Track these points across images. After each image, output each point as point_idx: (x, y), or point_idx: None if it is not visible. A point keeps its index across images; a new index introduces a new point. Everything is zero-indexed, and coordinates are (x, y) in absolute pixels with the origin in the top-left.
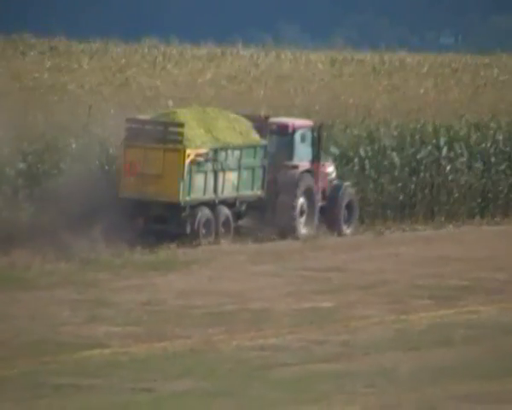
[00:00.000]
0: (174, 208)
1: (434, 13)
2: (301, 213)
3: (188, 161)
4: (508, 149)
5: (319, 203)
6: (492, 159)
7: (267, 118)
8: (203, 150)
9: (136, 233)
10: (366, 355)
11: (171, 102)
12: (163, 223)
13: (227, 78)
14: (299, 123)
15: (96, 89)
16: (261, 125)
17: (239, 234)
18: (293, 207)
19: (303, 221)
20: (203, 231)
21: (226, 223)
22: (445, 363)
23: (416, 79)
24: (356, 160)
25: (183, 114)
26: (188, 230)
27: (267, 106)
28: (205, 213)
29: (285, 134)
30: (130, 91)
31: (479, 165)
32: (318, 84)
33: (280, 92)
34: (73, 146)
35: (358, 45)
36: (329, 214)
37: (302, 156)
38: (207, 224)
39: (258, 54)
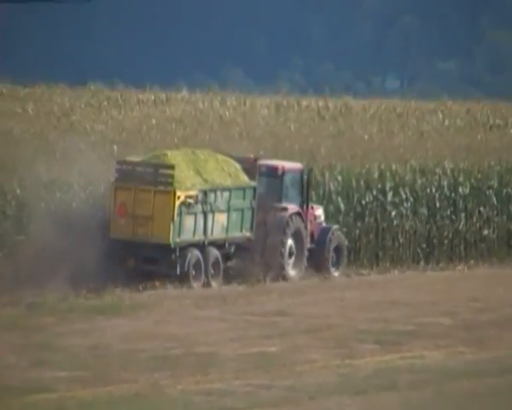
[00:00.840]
0: (164, 250)
1: (380, 57)
2: (290, 254)
3: (178, 202)
4: (453, 194)
5: (308, 246)
6: (437, 204)
7: (256, 160)
8: (193, 192)
9: (127, 274)
10: (312, 400)
11: (115, 148)
12: (153, 264)
13: (172, 122)
14: (289, 166)
15: (41, 134)
16: (250, 167)
17: (228, 275)
18: (282, 249)
19: (291, 263)
20: (193, 272)
21: (216, 264)
22: (390, 408)
23: (360, 123)
24: None
25: (174, 157)
26: (178, 271)
27: (213, 151)
28: (194, 254)
29: (275, 176)
30: (74, 136)
31: (424, 210)
32: (263, 129)
33: (225, 137)
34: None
35: (303, 90)
36: (318, 257)
37: (291, 199)
38: (197, 265)
39: (204, 98)
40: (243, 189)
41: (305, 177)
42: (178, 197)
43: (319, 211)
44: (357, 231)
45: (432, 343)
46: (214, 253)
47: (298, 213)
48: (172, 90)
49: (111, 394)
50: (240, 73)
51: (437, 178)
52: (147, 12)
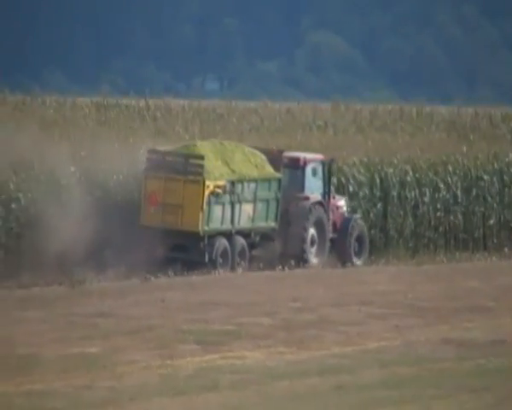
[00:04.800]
0: (194, 238)
1: (200, 59)
2: (312, 243)
3: (207, 192)
4: None
5: (330, 235)
6: None
7: (281, 152)
8: (221, 182)
9: (157, 261)
10: (133, 401)
11: None
12: (183, 252)
13: None
14: (311, 157)
15: None
16: (275, 159)
17: (253, 263)
18: (304, 238)
19: (314, 251)
20: (220, 260)
21: (242, 252)
22: (211, 408)
23: (181, 124)
24: None
25: (203, 147)
26: (206, 258)
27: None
28: (222, 242)
29: (297, 167)
30: None
31: None
32: (84, 129)
33: (44, 139)
34: None
35: (124, 91)
36: (340, 246)
37: (313, 189)
38: (224, 253)
39: (24, 100)
40: (269, 180)
41: (327, 168)
42: (208, 187)
43: (342, 201)
44: None
45: (252, 344)
46: (241, 242)
47: (320, 203)
48: None
49: None
50: (61, 75)
51: None
52: None
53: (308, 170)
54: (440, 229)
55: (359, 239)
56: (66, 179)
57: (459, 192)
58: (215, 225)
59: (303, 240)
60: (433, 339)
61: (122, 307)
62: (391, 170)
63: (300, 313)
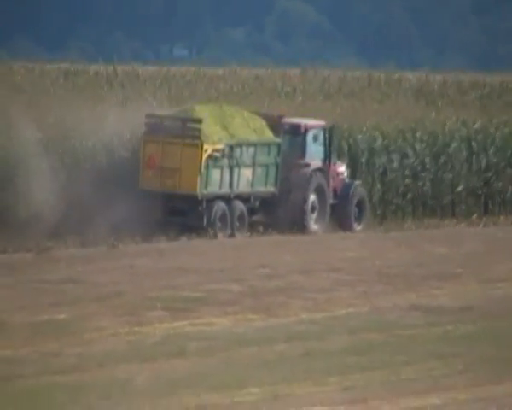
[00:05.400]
0: (192, 201)
1: (168, 26)
2: (313, 209)
3: (205, 155)
4: None
5: (330, 201)
6: None
7: (281, 117)
8: (220, 146)
9: (155, 224)
10: (101, 367)
11: None
12: (181, 215)
13: None
14: (312, 123)
15: None
16: (275, 125)
17: (252, 228)
18: (305, 204)
19: (314, 218)
20: (219, 224)
21: (241, 217)
22: (179, 374)
23: (149, 91)
24: None
25: (201, 111)
26: (204, 222)
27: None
28: (221, 206)
29: (298, 134)
30: None
31: None
32: (52, 96)
33: (14, 104)
34: None
35: (93, 58)
36: (340, 212)
37: (314, 155)
38: (223, 217)
39: None
40: (268, 145)
41: (327, 134)
42: (205, 150)
43: (342, 167)
44: None
45: (220, 310)
46: (240, 206)
47: (320, 169)
48: None
49: None
50: (29, 41)
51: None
52: None
53: (309, 136)
54: (408, 195)
55: (359, 205)
56: (34, 146)
57: (427, 159)
58: (213, 188)
59: (303, 207)
60: (401, 305)
61: (90, 273)
62: (359, 136)
63: (268, 280)
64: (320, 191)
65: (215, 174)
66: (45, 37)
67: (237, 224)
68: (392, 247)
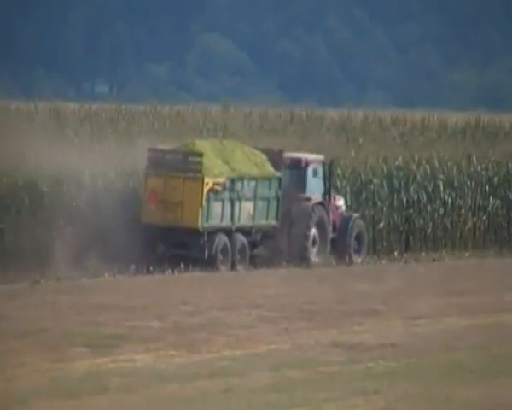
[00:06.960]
0: (194, 234)
1: (89, 62)
2: (313, 243)
3: (206, 189)
4: None
5: (331, 235)
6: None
7: (281, 152)
8: (221, 180)
9: (158, 258)
10: (23, 404)
11: None
12: (183, 248)
13: None
14: (312, 158)
15: None
16: (275, 159)
17: (254, 262)
18: (306, 238)
19: (315, 251)
20: (220, 256)
21: (242, 250)
22: None
23: (71, 127)
24: None
25: (202, 145)
26: (206, 255)
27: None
28: (222, 239)
29: (298, 168)
30: None
31: None
32: None
33: None
34: None
35: (14, 94)
36: (340, 245)
37: (314, 189)
38: (224, 250)
39: None
40: (269, 179)
41: (327, 169)
42: (207, 184)
43: (340, 201)
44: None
45: (142, 347)
46: (241, 239)
47: (321, 204)
48: None
49: None
50: None
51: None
52: None
53: (309, 171)
54: None
55: (358, 237)
56: None
57: (348, 196)
58: (214, 221)
59: (306, 240)
60: (323, 342)
61: (12, 309)
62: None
63: (191, 316)
64: (321, 225)
65: (216, 207)
66: None
67: (238, 257)
68: (314, 283)
